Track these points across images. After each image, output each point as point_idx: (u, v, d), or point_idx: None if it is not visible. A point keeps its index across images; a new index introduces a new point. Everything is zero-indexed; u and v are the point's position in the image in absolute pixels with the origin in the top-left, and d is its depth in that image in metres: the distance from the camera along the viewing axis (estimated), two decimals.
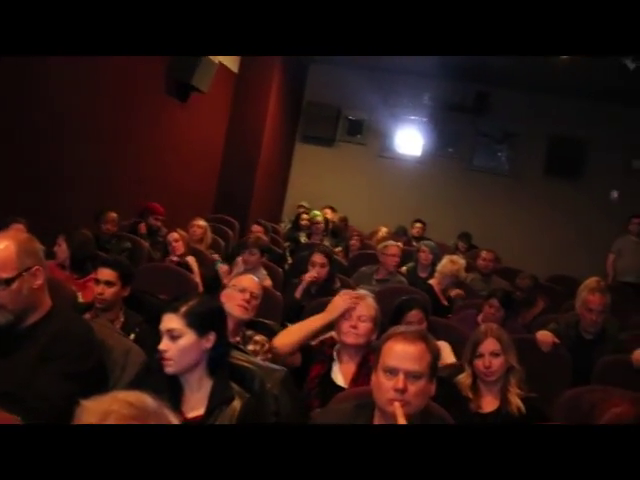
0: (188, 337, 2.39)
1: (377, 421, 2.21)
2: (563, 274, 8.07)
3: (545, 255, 9.85)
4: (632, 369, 3.93)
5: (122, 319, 3.57)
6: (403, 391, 2.12)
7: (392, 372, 2.15)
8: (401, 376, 2.13)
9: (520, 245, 9.94)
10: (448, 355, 3.80)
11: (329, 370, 3.16)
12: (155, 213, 6.85)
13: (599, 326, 4.35)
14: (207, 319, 2.48)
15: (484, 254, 6.85)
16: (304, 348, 3.23)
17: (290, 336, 3.21)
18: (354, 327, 3.15)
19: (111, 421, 1.38)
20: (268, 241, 5.85)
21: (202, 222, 6.51)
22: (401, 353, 2.17)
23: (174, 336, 2.38)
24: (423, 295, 4.43)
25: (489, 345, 3.10)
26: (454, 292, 5.79)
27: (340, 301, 3.24)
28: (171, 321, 2.40)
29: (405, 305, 3.99)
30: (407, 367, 2.14)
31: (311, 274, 4.93)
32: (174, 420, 1.45)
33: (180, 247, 5.59)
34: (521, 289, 5.75)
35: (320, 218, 8.28)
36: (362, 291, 3.44)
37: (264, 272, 5.31)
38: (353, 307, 3.20)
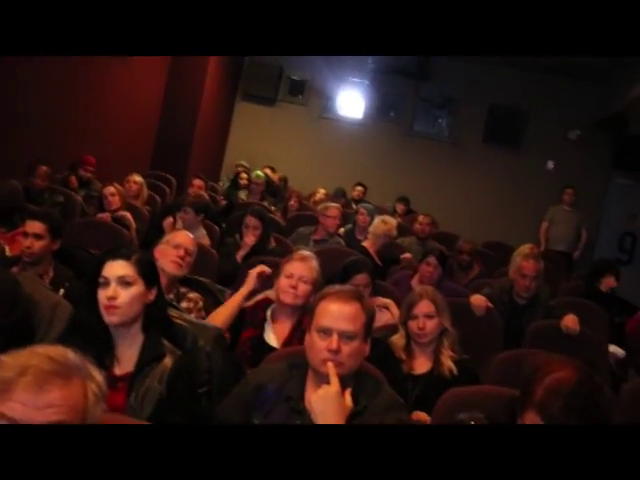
0: (138, 286, 2.34)
1: (310, 382, 2.17)
2: (498, 241, 8.20)
3: (481, 221, 9.98)
4: (561, 334, 4.02)
5: (51, 273, 3.46)
6: (337, 352, 2.07)
7: (326, 332, 2.11)
8: (335, 336, 2.08)
9: (457, 211, 10.04)
10: (395, 312, 3.79)
11: (262, 333, 3.13)
12: (86, 164, 6.67)
13: (532, 292, 4.43)
14: (154, 272, 2.44)
15: (421, 218, 6.89)
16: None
17: (218, 318, 3.14)
18: (294, 287, 3.10)
19: (29, 377, 1.32)
20: (207, 199, 5.73)
21: (138, 178, 6.38)
22: (335, 313, 2.12)
23: (126, 282, 2.31)
24: (364, 258, 4.42)
25: (424, 307, 3.11)
26: (404, 256, 5.82)
27: (253, 273, 3.31)
28: (123, 267, 2.33)
29: (352, 268, 3.94)
30: (341, 327, 2.10)
31: (248, 239, 4.87)
32: (98, 376, 1.40)
33: (116, 201, 5.47)
34: (465, 252, 5.82)
35: (261, 179, 8.20)
36: (306, 252, 3.39)
37: (203, 231, 5.23)
38: (295, 268, 3.15)
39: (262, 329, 3.14)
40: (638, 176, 10.73)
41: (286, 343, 3.06)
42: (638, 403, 3.02)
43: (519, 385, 1.93)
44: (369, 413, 2.05)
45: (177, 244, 3.32)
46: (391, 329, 3.30)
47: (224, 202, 7.73)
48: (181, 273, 3.31)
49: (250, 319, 3.20)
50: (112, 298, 2.27)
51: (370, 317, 2.20)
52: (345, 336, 2.09)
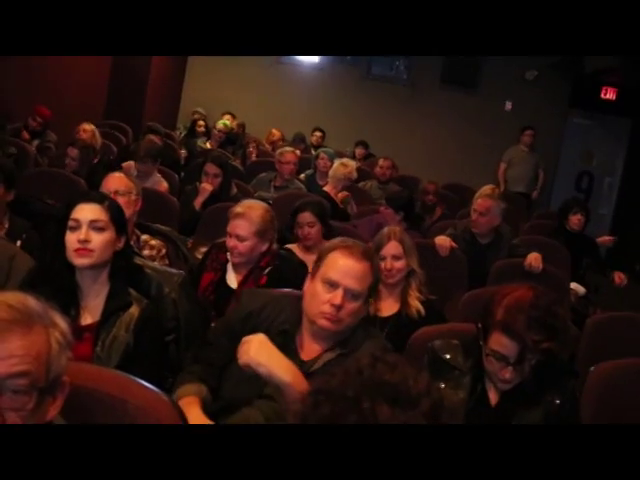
0: (110, 232, 2.28)
1: (305, 319, 2.11)
2: (458, 182, 8.22)
3: (441, 164, 9.98)
4: (524, 272, 4.05)
5: (6, 225, 3.35)
6: (340, 307, 2.02)
7: (332, 285, 2.04)
8: (340, 292, 2.02)
9: (416, 154, 10.02)
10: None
11: (223, 275, 3.13)
12: (39, 115, 6.50)
13: (493, 231, 4.46)
14: (123, 219, 2.39)
15: (381, 162, 6.87)
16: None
17: None
18: (235, 247, 3.06)
19: None
20: (161, 146, 5.58)
21: (88, 126, 6.21)
22: (345, 268, 2.05)
23: (99, 227, 2.25)
24: (321, 200, 4.38)
25: (391, 248, 3.09)
26: (340, 194, 5.78)
27: None
28: (95, 212, 2.27)
29: (297, 207, 3.93)
30: (349, 284, 2.03)
31: (207, 185, 4.80)
32: (62, 323, 1.34)
33: (73, 165, 5.32)
34: (430, 192, 5.83)
35: (227, 127, 8.10)
36: (246, 203, 3.27)
37: (158, 177, 5.12)
38: (232, 227, 3.08)
39: (223, 271, 3.14)
40: (594, 115, 10.82)
41: (242, 284, 3.06)
42: (600, 336, 3.08)
43: None
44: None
45: (108, 190, 3.19)
46: None
47: (182, 151, 7.61)
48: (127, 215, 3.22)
49: (210, 263, 3.19)
50: (85, 241, 2.21)
51: (376, 279, 2.16)
52: (350, 294, 2.04)
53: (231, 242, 3.07)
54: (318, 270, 2.10)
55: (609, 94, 10.60)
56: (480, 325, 2.05)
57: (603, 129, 10.99)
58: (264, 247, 3.11)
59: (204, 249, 3.44)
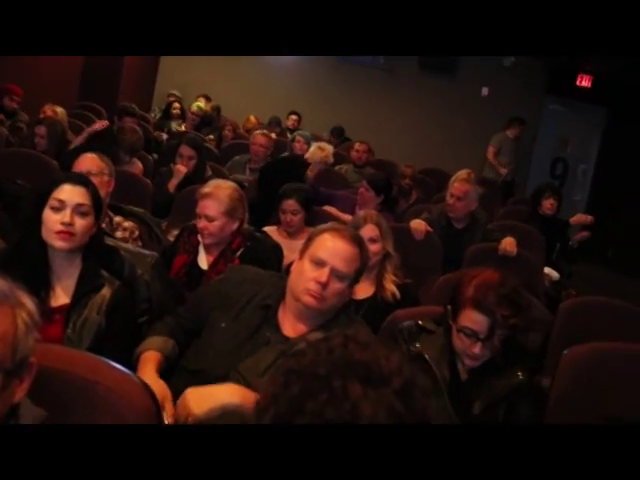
0: (91, 217, 2.25)
1: (288, 297, 2.14)
2: (434, 167, 8.23)
3: (417, 148, 9.97)
4: (499, 256, 4.06)
5: None
6: (325, 285, 2.05)
7: (320, 264, 2.08)
8: (327, 270, 2.06)
9: (393, 138, 10.00)
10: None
11: (195, 257, 3.12)
12: (11, 94, 6.39)
13: (469, 216, 4.47)
14: (101, 204, 2.36)
15: (357, 146, 6.85)
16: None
17: None
18: (205, 228, 3.05)
19: None
20: (143, 139, 5.50)
21: (57, 108, 6.11)
22: (334, 249, 2.10)
23: (82, 212, 2.22)
24: (305, 187, 4.37)
25: (368, 231, 3.08)
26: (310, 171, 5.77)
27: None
28: (82, 195, 2.24)
29: (283, 193, 3.94)
30: (336, 264, 2.08)
31: (181, 167, 4.76)
32: (29, 303, 1.31)
33: (43, 144, 5.23)
34: (407, 176, 5.83)
35: (201, 111, 8.03)
36: (213, 183, 3.25)
37: (134, 158, 5.07)
38: (201, 207, 3.08)
39: (195, 253, 3.13)
40: (569, 102, 10.87)
41: (213, 266, 3.06)
42: (573, 320, 3.10)
43: None
44: None
45: (80, 171, 3.10)
46: None
47: (163, 134, 7.53)
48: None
49: (182, 245, 3.18)
50: (69, 224, 2.17)
51: (363, 266, 2.19)
52: (336, 274, 2.08)
53: (201, 223, 3.06)
54: (307, 250, 2.15)
55: (584, 82, 10.66)
56: (449, 306, 2.16)
57: (578, 116, 11.05)
58: (234, 226, 3.10)
59: (177, 232, 3.40)
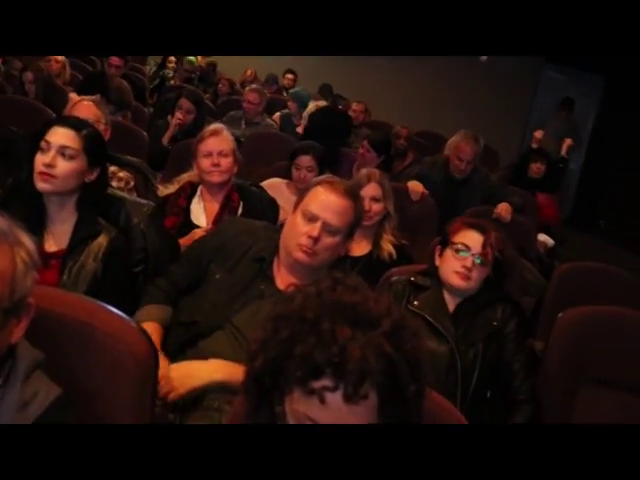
0: (79, 162, 2.20)
1: (282, 251, 2.12)
2: (430, 130, 8.18)
3: (413, 113, 9.88)
4: (493, 220, 4.04)
5: None
6: (316, 240, 2.02)
7: (311, 219, 2.05)
8: (319, 225, 2.03)
9: (389, 100, 9.92)
10: None
11: (185, 219, 3.07)
12: None
13: (465, 174, 4.46)
14: (101, 152, 2.31)
15: (355, 106, 6.83)
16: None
17: None
18: (217, 165, 3.02)
19: None
20: (130, 93, 5.39)
21: (59, 57, 6.01)
22: (326, 202, 2.06)
23: (67, 155, 2.17)
24: (321, 146, 4.35)
25: (371, 190, 3.07)
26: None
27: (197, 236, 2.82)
28: (68, 138, 2.19)
29: (299, 149, 3.89)
30: (328, 218, 2.04)
31: (177, 118, 4.70)
32: (28, 242, 1.28)
33: (32, 90, 5.14)
34: (403, 137, 5.79)
35: (192, 65, 7.93)
36: (216, 125, 3.28)
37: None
38: (211, 145, 3.07)
39: (185, 215, 3.07)
40: (568, 70, 10.79)
41: (216, 220, 3.02)
42: (566, 285, 3.11)
43: None
44: None
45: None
46: None
47: (152, 85, 7.43)
48: None
49: (171, 207, 3.11)
50: (49, 166, 2.14)
51: (358, 218, 2.15)
52: (328, 229, 2.04)
53: (212, 160, 3.03)
54: (300, 203, 2.11)
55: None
56: (439, 245, 2.38)
57: (576, 84, 10.97)
58: (235, 169, 3.11)
59: (172, 187, 3.34)
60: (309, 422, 1.09)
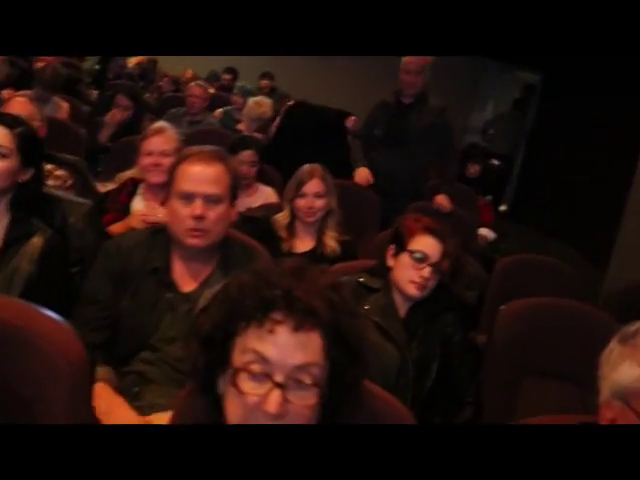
0: (12, 161, 2.13)
1: (175, 253, 2.04)
2: None
3: (356, 107, 9.90)
4: (436, 214, 4.05)
5: None
6: (202, 218, 1.94)
7: (188, 198, 1.95)
8: (199, 201, 1.94)
9: (332, 96, 9.91)
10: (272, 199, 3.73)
11: (126, 215, 2.95)
12: None
13: (419, 89, 4.29)
14: (35, 151, 2.23)
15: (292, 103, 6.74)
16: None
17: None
18: (157, 164, 2.95)
19: None
20: (66, 76, 5.29)
21: None
22: (198, 176, 1.97)
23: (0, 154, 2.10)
24: (257, 138, 4.28)
25: (314, 186, 3.04)
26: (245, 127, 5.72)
27: (134, 221, 2.78)
28: (1, 136, 2.12)
29: (239, 144, 3.83)
30: (205, 190, 1.95)
31: (114, 115, 4.62)
32: None
33: None
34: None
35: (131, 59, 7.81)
36: (161, 123, 3.24)
37: (56, 99, 4.86)
38: (153, 144, 3.00)
39: (125, 212, 2.97)
40: (508, 67, 10.97)
41: None
42: (508, 278, 3.14)
43: None
44: None
45: None
46: (274, 208, 3.23)
47: (89, 80, 7.29)
48: None
49: (112, 204, 3.02)
50: None
51: (235, 178, 2.07)
52: (210, 200, 1.96)
53: (153, 159, 2.96)
54: (172, 187, 2.02)
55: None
56: (393, 244, 2.32)
57: (516, 80, 11.19)
58: None
59: (110, 184, 3.28)
60: (255, 365, 1.12)
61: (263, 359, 1.12)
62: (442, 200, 4.12)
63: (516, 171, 11.07)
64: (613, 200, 6.04)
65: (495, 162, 7.11)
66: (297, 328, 1.12)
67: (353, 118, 5.03)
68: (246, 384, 1.12)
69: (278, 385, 1.10)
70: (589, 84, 9.34)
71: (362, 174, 4.14)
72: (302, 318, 1.12)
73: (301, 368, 1.12)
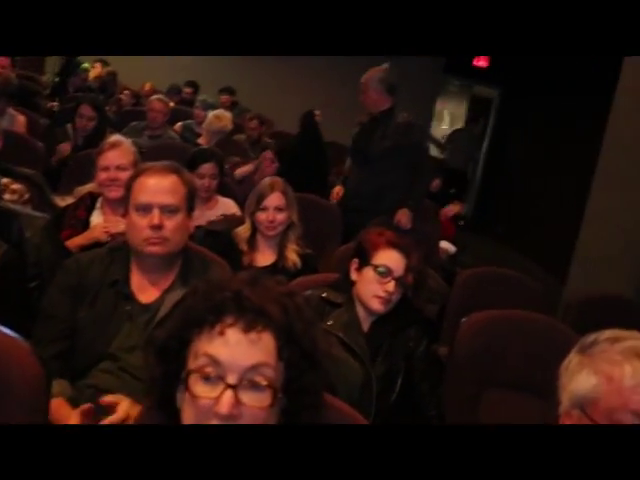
0: None
1: (135, 265, 2.07)
2: (333, 140, 8.24)
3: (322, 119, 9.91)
4: (397, 230, 4.07)
5: None
6: (159, 227, 1.98)
7: (145, 209, 2.01)
8: (156, 211, 1.99)
9: (290, 110, 9.88)
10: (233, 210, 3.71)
11: (84, 230, 2.89)
12: None
13: (378, 107, 4.35)
14: None
15: (248, 123, 6.67)
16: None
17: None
18: (114, 179, 2.92)
19: None
20: (17, 84, 5.20)
21: None
22: (154, 187, 2.03)
23: None
24: (212, 148, 4.26)
25: (274, 199, 3.03)
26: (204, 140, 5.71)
27: (97, 232, 2.78)
28: None
29: (199, 156, 3.80)
30: (161, 201, 2.01)
31: (65, 147, 4.57)
32: None
33: None
34: None
35: (87, 71, 7.72)
36: (117, 137, 3.20)
37: (12, 111, 4.82)
38: (109, 159, 2.96)
39: (83, 228, 2.92)
40: (465, 83, 11.13)
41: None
42: (468, 290, 3.16)
43: None
44: None
45: None
46: (235, 221, 3.22)
47: (47, 92, 7.21)
48: None
49: (69, 219, 2.96)
50: None
51: (191, 190, 2.12)
52: (167, 210, 2.01)
53: (110, 174, 2.92)
54: (129, 201, 2.07)
55: (481, 62, 10.91)
56: (356, 258, 2.31)
57: (473, 96, 11.35)
58: None
59: (69, 199, 3.23)
60: (208, 368, 1.12)
61: (215, 362, 1.12)
62: (401, 216, 4.13)
63: (475, 185, 11.20)
64: (571, 212, 6.13)
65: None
66: (248, 329, 1.13)
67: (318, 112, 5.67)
68: (199, 388, 1.12)
69: (230, 386, 1.10)
70: (545, 98, 9.50)
71: (335, 190, 4.29)
72: (252, 319, 1.13)
73: (253, 369, 1.12)
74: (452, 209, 5.51)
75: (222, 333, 1.13)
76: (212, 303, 1.15)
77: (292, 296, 1.21)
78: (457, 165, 9.43)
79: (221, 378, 1.11)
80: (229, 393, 1.09)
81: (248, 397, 1.11)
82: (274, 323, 1.14)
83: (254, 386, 1.12)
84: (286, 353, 1.15)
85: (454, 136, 10.52)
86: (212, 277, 1.27)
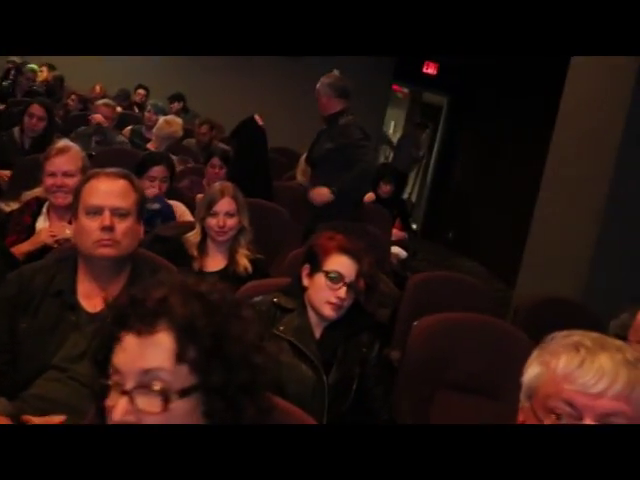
0: None
1: (82, 273, 2.04)
2: (285, 146, 8.24)
3: (268, 128, 9.89)
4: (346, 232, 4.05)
5: None
6: (110, 228, 1.98)
7: (97, 212, 2.00)
8: (107, 213, 1.99)
9: (243, 117, 9.89)
10: (184, 215, 3.68)
11: (27, 237, 2.84)
12: None
13: (326, 113, 4.38)
14: None
15: (198, 128, 6.61)
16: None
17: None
18: (60, 186, 2.87)
19: None
20: None
21: None
22: (105, 190, 2.03)
23: None
24: (166, 154, 4.21)
25: (225, 204, 2.99)
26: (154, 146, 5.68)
27: (43, 236, 2.76)
28: None
29: (150, 160, 3.75)
30: (113, 204, 2.01)
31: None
32: None
33: None
34: None
35: (34, 73, 7.60)
36: (64, 142, 3.14)
37: None
38: (55, 165, 2.91)
39: (28, 234, 2.86)
40: (415, 89, 11.24)
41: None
42: (420, 294, 3.18)
43: None
44: None
45: None
46: (185, 227, 3.18)
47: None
48: None
49: (14, 225, 2.91)
50: None
51: (141, 196, 2.13)
52: (117, 213, 2.01)
53: (56, 181, 2.87)
54: (78, 205, 2.06)
55: (430, 69, 11.02)
56: (307, 264, 2.29)
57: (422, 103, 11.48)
58: None
59: (14, 205, 3.15)
60: (114, 377, 1.12)
61: (116, 370, 1.13)
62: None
63: (425, 191, 11.32)
64: (519, 217, 6.23)
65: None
66: (140, 332, 1.12)
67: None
68: (111, 399, 1.12)
69: (124, 392, 1.10)
70: (493, 106, 9.65)
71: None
72: (145, 322, 1.12)
73: (147, 373, 1.11)
74: (396, 234, 5.49)
75: (120, 340, 1.14)
76: (115, 313, 1.16)
77: (203, 295, 1.18)
78: (401, 168, 9.51)
79: (120, 385, 1.11)
80: (122, 400, 1.09)
81: (143, 402, 1.10)
82: (174, 324, 1.13)
83: (148, 391, 1.10)
84: (191, 354, 1.13)
85: (400, 142, 10.65)
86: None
